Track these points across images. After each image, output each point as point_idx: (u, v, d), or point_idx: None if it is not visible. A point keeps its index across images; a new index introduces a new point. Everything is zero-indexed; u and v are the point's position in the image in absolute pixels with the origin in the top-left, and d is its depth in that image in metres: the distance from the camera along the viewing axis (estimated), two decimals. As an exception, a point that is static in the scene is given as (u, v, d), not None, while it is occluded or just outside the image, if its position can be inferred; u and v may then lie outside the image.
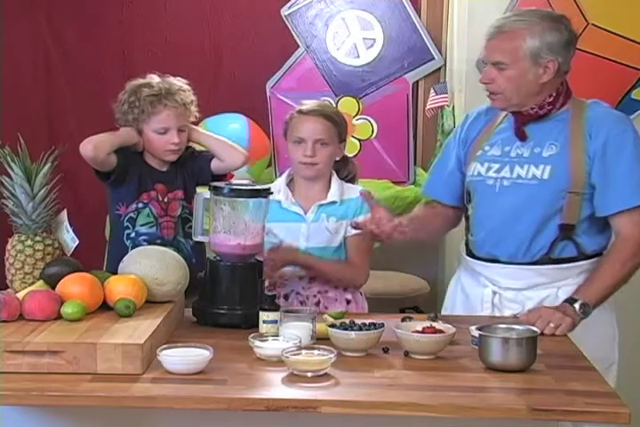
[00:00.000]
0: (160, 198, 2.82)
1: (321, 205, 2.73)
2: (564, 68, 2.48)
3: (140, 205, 2.81)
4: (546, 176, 2.47)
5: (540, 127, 2.52)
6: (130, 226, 2.82)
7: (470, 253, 2.64)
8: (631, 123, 2.52)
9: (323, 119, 2.70)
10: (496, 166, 2.54)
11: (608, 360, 2.48)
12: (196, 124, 3.46)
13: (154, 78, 2.82)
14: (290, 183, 2.79)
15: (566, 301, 2.40)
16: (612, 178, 2.44)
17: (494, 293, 2.57)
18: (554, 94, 2.49)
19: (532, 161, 2.50)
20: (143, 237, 2.81)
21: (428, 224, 2.72)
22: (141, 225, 2.82)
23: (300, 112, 2.73)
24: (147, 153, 2.84)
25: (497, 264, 2.55)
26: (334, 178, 2.77)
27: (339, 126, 2.73)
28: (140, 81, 2.81)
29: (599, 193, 2.45)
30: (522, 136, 2.53)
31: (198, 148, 2.94)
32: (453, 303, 2.70)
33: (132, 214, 2.82)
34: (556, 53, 2.45)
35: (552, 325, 2.30)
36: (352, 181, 2.83)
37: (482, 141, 2.61)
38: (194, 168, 2.86)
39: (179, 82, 2.84)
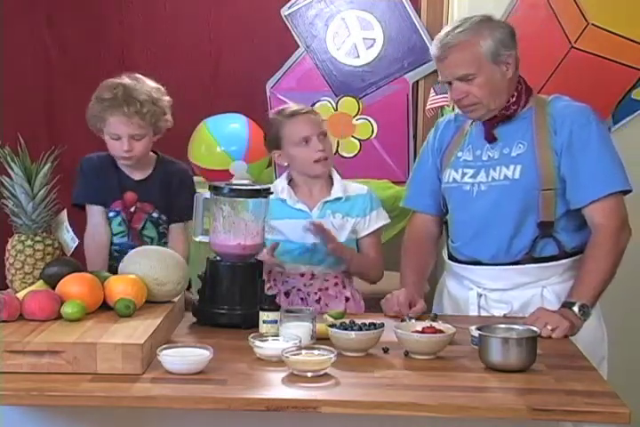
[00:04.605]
0: (124, 208, 2.77)
1: (326, 202, 2.74)
2: (518, 59, 2.52)
3: (112, 213, 2.77)
4: (517, 176, 2.49)
5: (507, 128, 2.55)
6: None
7: (452, 257, 2.65)
8: (594, 113, 2.53)
9: (313, 115, 2.76)
10: (471, 172, 2.57)
11: (598, 356, 2.48)
12: (196, 124, 3.46)
13: (125, 80, 2.73)
14: (290, 184, 2.79)
15: (564, 305, 2.40)
16: (581, 170, 2.46)
17: (479, 295, 2.58)
18: (515, 94, 2.52)
19: (502, 162, 2.52)
20: (115, 248, 2.77)
21: (428, 256, 2.73)
22: (114, 235, 2.78)
23: (291, 115, 2.73)
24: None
25: (479, 266, 2.57)
26: (335, 174, 2.79)
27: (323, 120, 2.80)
28: (110, 82, 2.74)
29: (570, 186, 2.47)
30: (492, 139, 2.55)
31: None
32: (441, 307, 2.71)
33: None
34: (509, 47, 2.50)
35: (549, 327, 2.30)
36: None
37: (454, 148, 2.64)
38: (173, 197, 2.79)
39: (150, 89, 2.72)
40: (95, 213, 2.76)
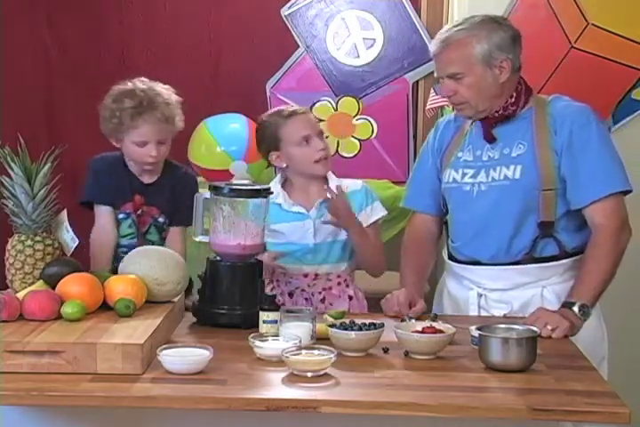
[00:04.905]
0: (134, 210, 2.75)
1: (324, 201, 2.73)
2: (517, 64, 2.51)
3: (122, 215, 2.75)
4: (517, 176, 2.49)
5: (507, 128, 2.55)
6: None
7: (452, 257, 2.65)
8: (594, 113, 2.52)
9: (310, 115, 2.78)
10: (471, 172, 2.57)
11: (598, 356, 2.49)
12: (196, 124, 3.45)
13: (139, 86, 2.71)
14: (285, 185, 2.79)
15: (564, 305, 2.40)
16: (581, 170, 2.46)
17: (479, 295, 2.58)
18: (514, 94, 2.52)
19: (502, 162, 2.52)
20: (122, 250, 2.73)
21: (428, 256, 2.73)
22: (122, 236, 2.75)
23: (290, 115, 2.73)
24: (129, 161, 2.76)
25: (479, 266, 2.57)
26: (330, 174, 2.79)
27: None
28: (125, 87, 2.71)
29: (570, 187, 2.47)
30: (491, 139, 2.55)
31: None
32: (441, 307, 2.71)
33: None
34: (506, 52, 2.48)
35: (549, 327, 2.30)
36: None
37: (454, 148, 2.64)
38: (177, 202, 2.77)
39: (166, 92, 2.73)
40: (104, 212, 2.74)
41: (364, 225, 2.74)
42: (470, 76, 2.48)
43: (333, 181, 2.77)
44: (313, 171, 2.74)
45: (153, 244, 2.75)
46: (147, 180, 2.77)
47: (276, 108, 2.84)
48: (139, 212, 2.75)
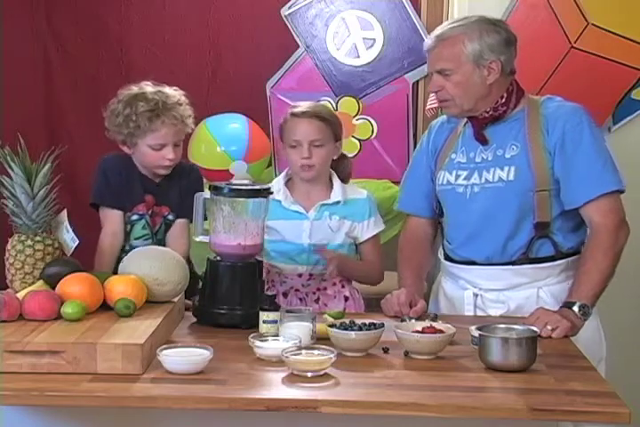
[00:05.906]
0: (146, 211, 2.71)
1: (324, 205, 2.74)
2: (507, 67, 2.51)
3: (135, 217, 2.71)
4: (511, 177, 2.49)
5: (499, 129, 2.54)
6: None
7: (448, 257, 2.65)
8: (586, 113, 2.52)
9: (315, 120, 2.70)
10: (464, 173, 2.57)
11: (597, 357, 2.48)
12: (196, 124, 3.44)
13: (148, 88, 2.67)
14: (288, 183, 2.79)
15: (564, 305, 2.40)
16: (574, 170, 2.45)
17: (475, 294, 2.58)
18: (504, 95, 2.52)
19: (496, 164, 2.52)
20: None
21: (425, 257, 2.74)
22: (136, 238, 2.72)
23: (293, 115, 2.72)
24: (140, 165, 2.73)
25: (475, 266, 2.57)
26: (335, 178, 2.78)
27: (332, 126, 2.73)
28: (134, 91, 2.66)
29: (564, 187, 2.47)
30: (482, 140, 2.55)
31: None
32: (437, 307, 2.71)
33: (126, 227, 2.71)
34: (497, 53, 2.48)
35: (549, 327, 2.30)
36: (347, 178, 2.84)
37: (447, 150, 2.64)
38: (185, 196, 2.72)
39: (175, 93, 2.70)
40: (115, 217, 2.69)
41: (367, 237, 2.77)
42: (458, 73, 2.48)
43: (338, 186, 2.77)
44: (296, 173, 2.75)
45: (162, 242, 2.73)
46: (158, 179, 2.75)
47: (301, 102, 2.81)
48: (149, 212, 2.73)
